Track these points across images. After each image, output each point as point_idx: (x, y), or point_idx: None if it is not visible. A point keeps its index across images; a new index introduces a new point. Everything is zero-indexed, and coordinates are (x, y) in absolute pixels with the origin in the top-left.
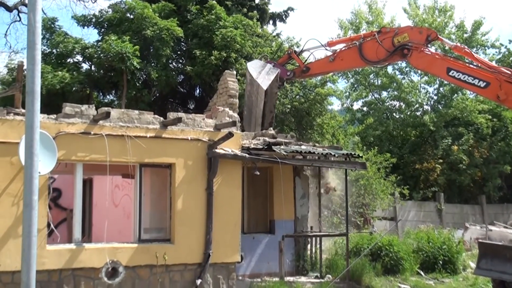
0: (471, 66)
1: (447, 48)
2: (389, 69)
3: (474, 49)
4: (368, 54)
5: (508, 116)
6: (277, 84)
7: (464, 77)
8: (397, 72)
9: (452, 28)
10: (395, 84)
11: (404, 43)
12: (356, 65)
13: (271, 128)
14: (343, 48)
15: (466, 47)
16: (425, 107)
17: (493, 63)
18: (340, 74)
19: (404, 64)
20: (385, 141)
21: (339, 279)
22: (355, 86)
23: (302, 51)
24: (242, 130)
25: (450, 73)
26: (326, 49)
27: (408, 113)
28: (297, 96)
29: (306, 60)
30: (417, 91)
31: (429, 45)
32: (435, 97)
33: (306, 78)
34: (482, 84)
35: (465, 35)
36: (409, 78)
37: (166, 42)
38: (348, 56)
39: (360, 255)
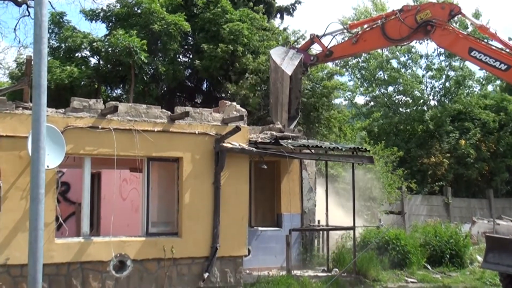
0: (493, 47)
1: (469, 28)
2: (394, 63)
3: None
4: (391, 33)
5: None
6: (301, 69)
7: (485, 58)
8: (401, 66)
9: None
10: (400, 80)
11: (428, 20)
12: (380, 45)
13: (298, 117)
14: (366, 29)
15: (491, 27)
16: (432, 101)
17: None
18: (346, 69)
19: (406, 58)
20: (392, 135)
21: (346, 273)
22: (362, 81)
23: (324, 34)
24: (270, 120)
25: (472, 53)
26: (348, 31)
27: (414, 108)
28: (305, 90)
29: (329, 44)
30: (423, 85)
31: (452, 22)
32: (441, 91)
33: (330, 61)
34: (503, 66)
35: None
36: (412, 71)
37: (174, 37)
38: (371, 37)
39: (368, 249)
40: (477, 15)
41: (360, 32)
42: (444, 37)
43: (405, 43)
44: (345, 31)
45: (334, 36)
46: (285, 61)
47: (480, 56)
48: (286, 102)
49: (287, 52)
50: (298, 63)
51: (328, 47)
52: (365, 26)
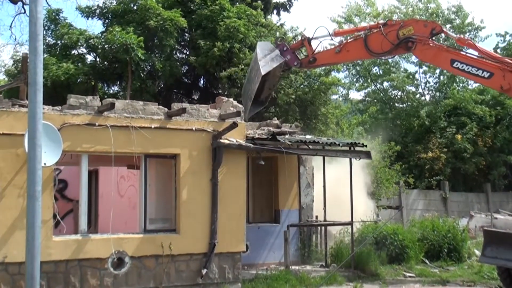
0: (474, 57)
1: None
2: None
3: (468, 34)
4: (373, 46)
5: (511, 104)
6: (280, 70)
7: (468, 68)
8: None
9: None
10: (393, 75)
11: (409, 36)
12: (362, 57)
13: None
14: (349, 40)
15: (469, 39)
16: (426, 96)
17: (497, 54)
18: (343, 64)
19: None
20: (388, 130)
21: (345, 268)
22: (357, 77)
23: (312, 38)
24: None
25: (454, 65)
26: (333, 39)
27: (409, 103)
28: (301, 86)
29: (315, 49)
30: (415, 81)
31: (433, 38)
32: (436, 86)
33: (312, 69)
34: (486, 74)
35: (457, 22)
36: (404, 69)
37: (170, 33)
38: (354, 48)
39: (366, 244)
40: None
41: (344, 42)
42: (425, 52)
43: (387, 57)
44: (330, 37)
45: (320, 42)
46: (265, 60)
47: (462, 66)
48: (254, 90)
49: (272, 51)
50: (277, 65)
51: (315, 51)
52: (349, 37)
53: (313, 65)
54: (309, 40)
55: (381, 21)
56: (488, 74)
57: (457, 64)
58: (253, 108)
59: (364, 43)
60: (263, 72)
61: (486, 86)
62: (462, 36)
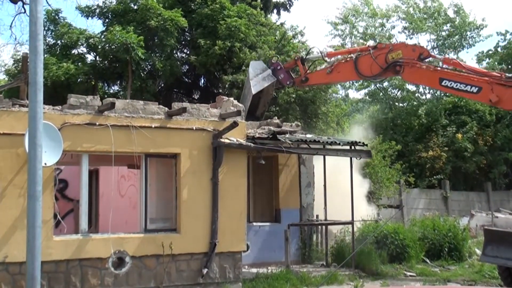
0: (461, 73)
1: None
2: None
3: (469, 32)
4: (362, 69)
5: None
6: (273, 87)
7: (457, 85)
8: None
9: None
10: None
11: (396, 60)
12: (352, 78)
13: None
14: (341, 61)
15: (454, 58)
16: (427, 95)
17: (482, 68)
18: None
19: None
20: (388, 129)
21: (345, 267)
22: None
23: (305, 58)
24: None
25: (443, 83)
26: (325, 60)
27: (410, 102)
28: None
29: (308, 68)
30: None
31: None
32: None
33: (304, 87)
34: (474, 89)
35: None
36: None
37: (170, 33)
38: (345, 69)
39: (366, 243)
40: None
41: (335, 63)
42: (414, 74)
43: (377, 80)
44: (324, 58)
45: (312, 62)
46: (256, 79)
47: (451, 84)
48: (247, 106)
49: (264, 70)
50: (268, 85)
51: (306, 73)
52: (340, 57)
53: (306, 84)
54: (302, 60)
55: (372, 44)
56: (477, 88)
57: (445, 82)
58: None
59: (354, 65)
60: (253, 92)
61: (476, 100)
62: (447, 56)
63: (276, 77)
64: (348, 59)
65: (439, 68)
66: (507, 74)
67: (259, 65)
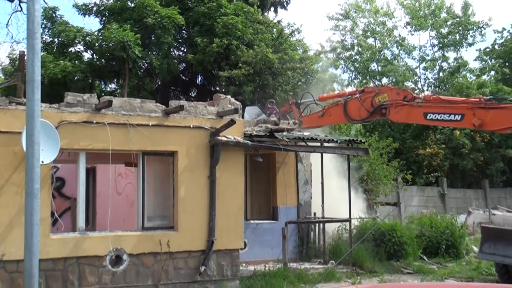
0: (443, 105)
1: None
2: (388, 54)
3: (471, 31)
4: (351, 112)
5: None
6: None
7: (441, 117)
8: (393, 58)
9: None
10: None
11: (381, 104)
12: (342, 121)
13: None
14: (331, 105)
15: (432, 94)
16: (426, 92)
17: (461, 98)
18: (339, 62)
19: (398, 49)
20: (386, 127)
21: (343, 264)
22: (355, 73)
23: (300, 103)
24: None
25: (428, 117)
26: (317, 104)
27: None
28: (299, 83)
29: (302, 111)
30: (416, 76)
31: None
32: (435, 82)
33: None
34: (458, 117)
35: (457, 19)
36: (404, 63)
37: (168, 30)
38: (335, 113)
39: (364, 240)
40: (467, 5)
41: (326, 107)
42: (399, 113)
43: (366, 123)
44: (316, 103)
45: (307, 106)
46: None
47: (435, 116)
48: None
49: (259, 115)
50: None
51: (300, 116)
52: (331, 100)
53: (300, 127)
54: (297, 104)
55: (360, 89)
56: (460, 116)
57: (430, 116)
58: None
59: (344, 110)
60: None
61: (461, 127)
62: (426, 93)
63: None
64: (338, 103)
65: (420, 103)
66: (485, 97)
67: (254, 110)
